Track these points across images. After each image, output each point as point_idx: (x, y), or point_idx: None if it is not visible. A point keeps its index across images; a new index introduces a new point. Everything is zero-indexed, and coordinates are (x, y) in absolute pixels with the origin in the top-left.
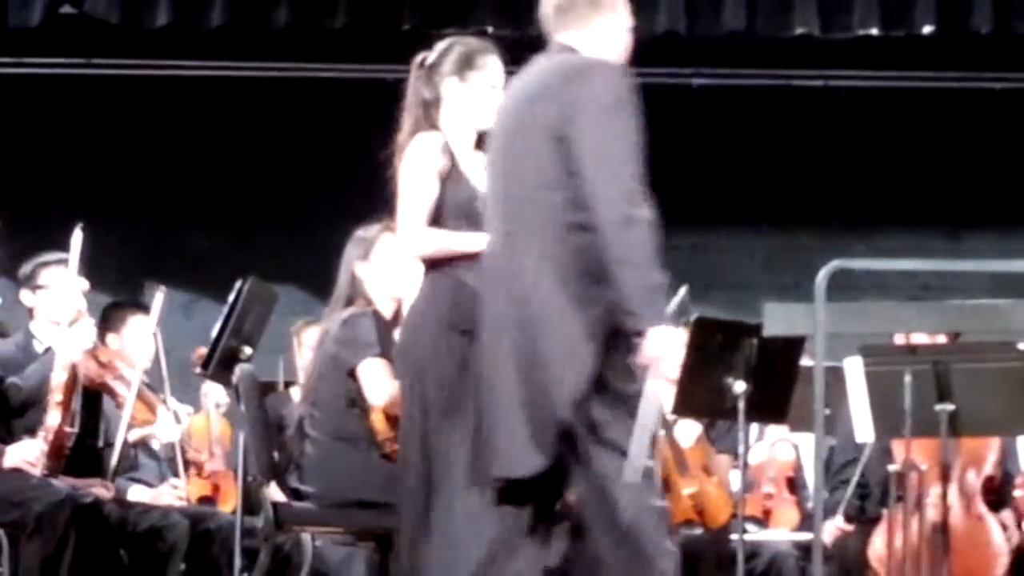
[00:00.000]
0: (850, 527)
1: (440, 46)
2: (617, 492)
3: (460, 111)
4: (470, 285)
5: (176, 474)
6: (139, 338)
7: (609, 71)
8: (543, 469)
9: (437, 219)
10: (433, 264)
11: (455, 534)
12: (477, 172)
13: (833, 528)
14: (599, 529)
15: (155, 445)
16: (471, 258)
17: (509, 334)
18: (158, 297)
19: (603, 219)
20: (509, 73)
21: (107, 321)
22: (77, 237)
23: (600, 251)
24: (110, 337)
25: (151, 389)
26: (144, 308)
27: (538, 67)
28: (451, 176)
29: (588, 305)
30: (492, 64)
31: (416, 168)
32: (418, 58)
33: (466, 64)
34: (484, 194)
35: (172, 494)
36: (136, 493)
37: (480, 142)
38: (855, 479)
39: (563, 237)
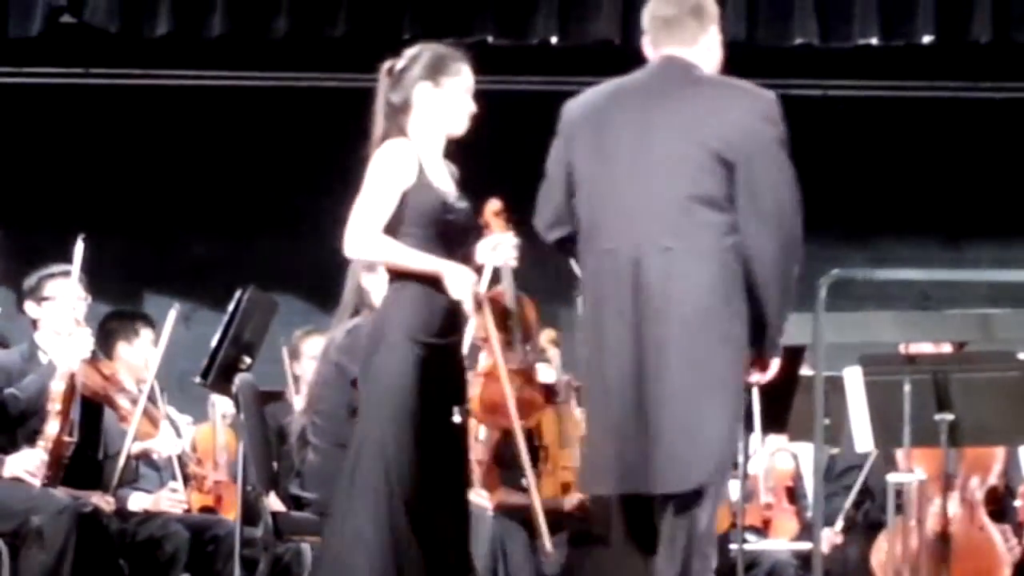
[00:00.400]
0: (839, 539)
1: (410, 52)
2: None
3: (432, 116)
4: (437, 296)
5: (175, 478)
6: (150, 351)
7: (775, 104)
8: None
9: (399, 225)
10: (399, 273)
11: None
12: (444, 179)
13: (831, 536)
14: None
15: (155, 457)
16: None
17: (675, 347)
18: (171, 315)
19: (774, 257)
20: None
21: (117, 331)
22: (79, 248)
23: (756, 281)
24: (121, 346)
25: (151, 401)
26: (150, 319)
27: (670, 81)
28: (418, 183)
29: (742, 324)
30: (465, 71)
31: (380, 173)
32: (386, 65)
33: (439, 69)
34: (453, 201)
35: (171, 498)
36: (135, 499)
37: (448, 148)
38: (856, 488)
39: (724, 259)
